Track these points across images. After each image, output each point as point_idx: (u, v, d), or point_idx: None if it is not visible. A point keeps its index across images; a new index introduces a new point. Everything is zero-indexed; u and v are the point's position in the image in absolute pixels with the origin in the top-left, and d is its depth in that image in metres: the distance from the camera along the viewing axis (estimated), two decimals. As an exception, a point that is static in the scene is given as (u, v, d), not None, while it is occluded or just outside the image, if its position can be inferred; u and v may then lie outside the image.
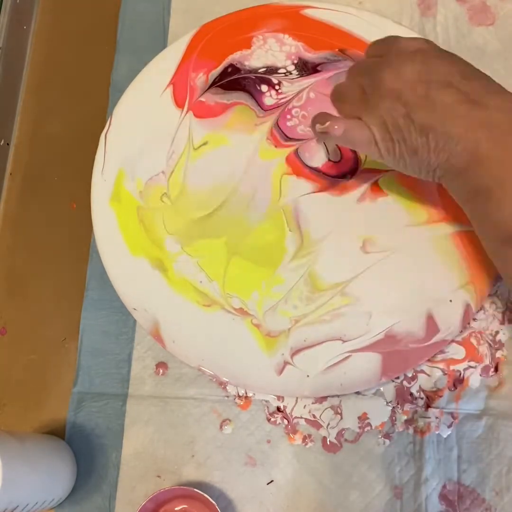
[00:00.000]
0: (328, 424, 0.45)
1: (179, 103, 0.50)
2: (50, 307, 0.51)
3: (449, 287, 0.45)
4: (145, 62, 0.52)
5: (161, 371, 0.48)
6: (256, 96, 0.50)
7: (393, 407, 0.45)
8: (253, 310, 0.46)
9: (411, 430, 0.45)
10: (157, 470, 0.46)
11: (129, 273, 0.47)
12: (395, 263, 0.46)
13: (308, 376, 0.44)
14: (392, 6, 0.53)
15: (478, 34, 0.52)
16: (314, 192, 0.48)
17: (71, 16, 0.58)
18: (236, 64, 0.51)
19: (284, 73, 0.50)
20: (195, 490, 0.42)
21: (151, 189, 0.49)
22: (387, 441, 0.45)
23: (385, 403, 0.45)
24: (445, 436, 0.44)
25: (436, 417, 0.45)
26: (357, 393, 0.45)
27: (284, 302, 0.46)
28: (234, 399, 0.46)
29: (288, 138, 0.49)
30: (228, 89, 0.50)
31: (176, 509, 0.44)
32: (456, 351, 0.46)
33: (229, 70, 0.50)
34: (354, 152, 0.48)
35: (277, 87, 0.50)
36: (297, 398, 0.46)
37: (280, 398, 0.46)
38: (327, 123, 0.38)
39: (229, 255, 0.47)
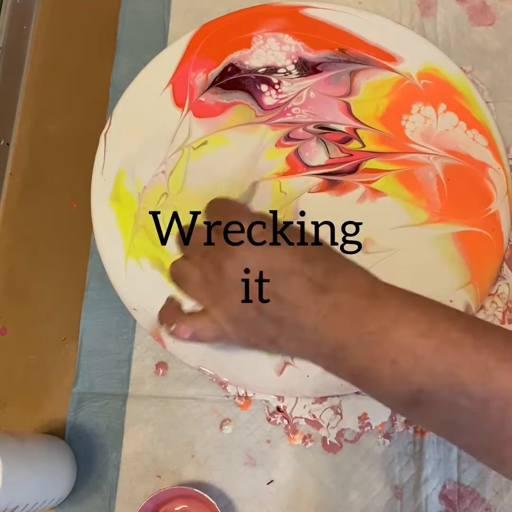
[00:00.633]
0: (328, 424, 0.45)
1: (178, 103, 0.50)
2: (50, 307, 0.50)
3: (449, 287, 0.45)
4: (145, 62, 0.52)
5: (161, 371, 0.48)
6: (256, 96, 0.50)
7: (393, 407, 0.45)
8: (253, 310, 0.46)
9: (411, 430, 0.45)
10: (157, 470, 0.46)
11: (129, 273, 0.47)
12: (395, 263, 0.46)
13: (308, 376, 0.44)
14: (392, 6, 0.53)
15: (478, 34, 0.52)
16: (314, 192, 0.48)
17: (71, 16, 0.58)
18: (236, 63, 0.51)
19: (284, 72, 0.50)
20: (195, 490, 0.42)
21: (151, 188, 0.49)
22: (387, 441, 0.45)
23: (385, 403, 0.45)
24: (445, 436, 0.44)
25: (436, 417, 0.45)
26: (357, 393, 0.45)
27: (284, 302, 0.46)
28: (234, 399, 0.46)
29: (289, 139, 0.49)
30: (228, 88, 0.50)
31: (176, 509, 0.44)
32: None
33: (229, 69, 0.50)
34: (354, 152, 0.48)
35: (277, 86, 0.50)
36: (297, 398, 0.46)
37: (280, 398, 0.46)
38: (174, 326, 0.36)
39: (229, 255, 0.47)
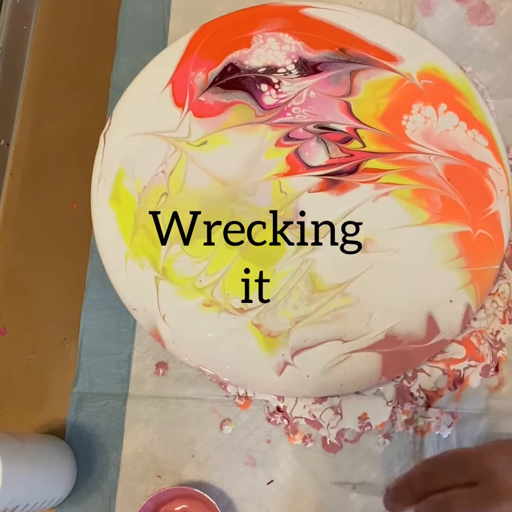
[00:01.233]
0: (328, 424, 0.45)
1: (178, 103, 0.50)
2: (50, 307, 0.51)
3: (450, 287, 0.45)
4: (145, 62, 0.52)
5: (161, 371, 0.48)
6: (256, 96, 0.50)
7: (393, 407, 0.45)
8: (253, 310, 0.46)
9: (411, 430, 0.45)
10: (157, 470, 0.46)
11: (129, 273, 0.47)
12: (395, 264, 0.46)
13: (308, 376, 0.44)
14: (392, 6, 0.53)
15: (478, 34, 0.52)
16: (314, 192, 0.48)
17: (71, 16, 0.58)
18: (236, 63, 0.50)
19: (284, 72, 0.50)
20: (196, 490, 0.42)
21: (151, 188, 0.49)
22: (387, 441, 0.45)
23: (385, 403, 0.45)
24: (445, 436, 0.44)
25: (437, 417, 0.45)
26: (357, 393, 0.45)
27: (285, 303, 0.46)
28: (234, 399, 0.46)
29: (289, 138, 0.49)
30: (228, 88, 0.50)
31: (176, 509, 0.44)
32: (457, 351, 0.46)
33: (229, 69, 0.50)
34: (354, 152, 0.48)
35: (277, 86, 0.50)
36: (297, 398, 0.46)
37: (280, 398, 0.46)
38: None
39: (229, 255, 0.47)
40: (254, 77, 0.50)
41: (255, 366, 0.45)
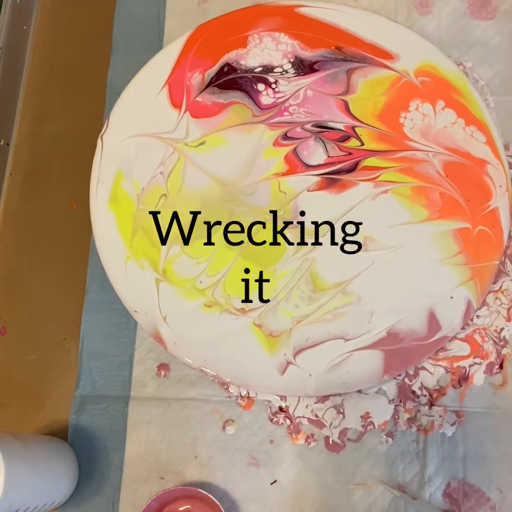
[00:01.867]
0: (331, 423, 0.45)
1: (175, 104, 0.50)
2: (50, 307, 0.51)
3: (450, 284, 0.45)
4: (141, 63, 0.51)
5: (162, 372, 0.48)
6: (253, 95, 0.50)
7: (396, 406, 0.45)
8: (255, 310, 0.46)
9: (414, 429, 0.45)
10: (160, 471, 0.46)
11: (129, 275, 0.47)
12: (396, 261, 0.46)
13: (310, 375, 0.44)
14: (387, 3, 0.53)
15: (479, 29, 0.52)
16: (313, 191, 0.48)
17: (71, 16, 0.58)
18: (232, 63, 0.50)
19: (281, 71, 0.50)
20: (199, 490, 0.42)
21: (149, 190, 0.49)
22: (390, 440, 0.45)
23: (388, 401, 0.45)
24: (449, 434, 0.44)
25: (440, 416, 0.44)
26: (359, 391, 0.45)
27: (286, 302, 0.46)
28: (237, 399, 0.46)
29: (287, 138, 0.49)
30: (225, 88, 0.50)
31: (180, 509, 0.44)
32: (461, 348, 0.46)
33: (225, 69, 0.50)
34: (352, 150, 0.48)
35: (274, 86, 0.50)
36: (299, 397, 0.46)
37: (282, 398, 0.46)
38: None
39: (229, 255, 0.47)
40: (250, 77, 0.50)
41: (257, 366, 0.45)
